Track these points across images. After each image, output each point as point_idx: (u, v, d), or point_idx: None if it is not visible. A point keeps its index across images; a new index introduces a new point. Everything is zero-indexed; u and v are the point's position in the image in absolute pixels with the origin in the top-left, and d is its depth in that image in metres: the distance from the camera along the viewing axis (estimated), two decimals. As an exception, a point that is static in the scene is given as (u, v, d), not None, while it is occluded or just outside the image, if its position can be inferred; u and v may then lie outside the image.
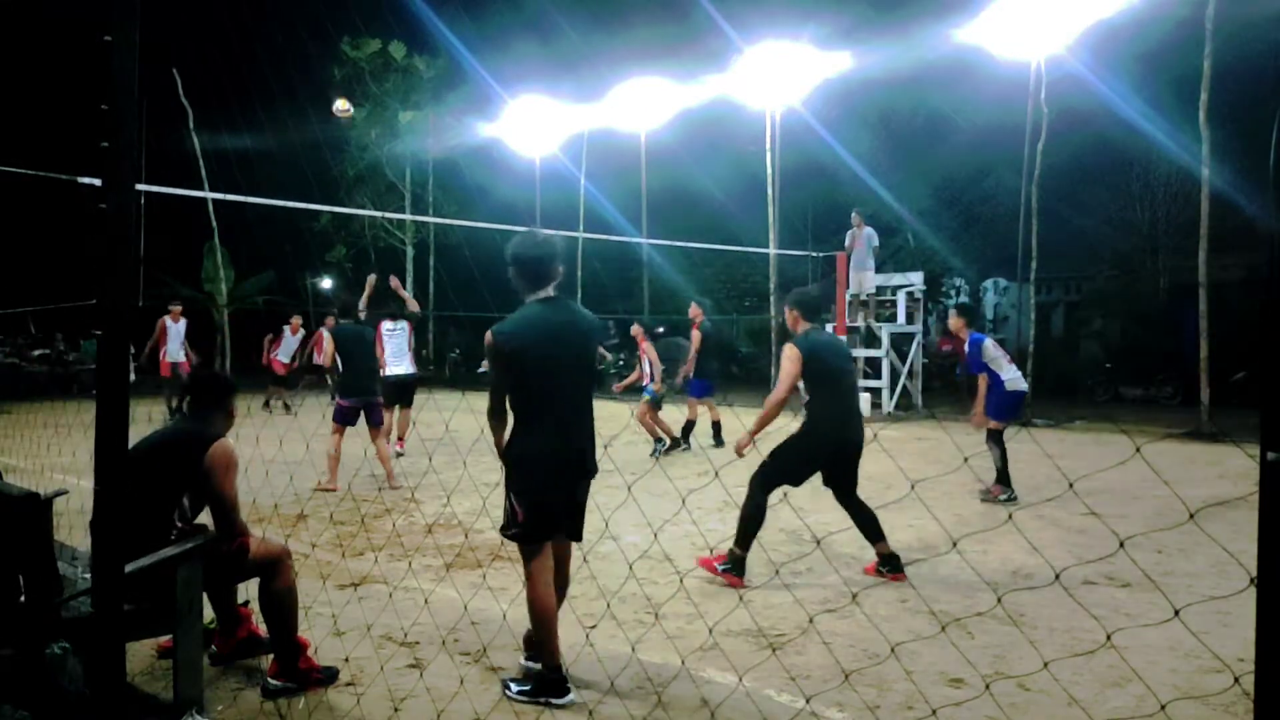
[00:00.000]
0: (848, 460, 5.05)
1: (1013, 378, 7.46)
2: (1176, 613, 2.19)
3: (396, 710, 3.30)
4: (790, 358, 4.88)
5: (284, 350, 15.08)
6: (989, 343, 7.57)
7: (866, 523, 4.99)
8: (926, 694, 3.37)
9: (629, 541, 5.84)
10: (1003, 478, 7.31)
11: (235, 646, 3.75)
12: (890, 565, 4.94)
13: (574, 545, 3.68)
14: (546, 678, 3.34)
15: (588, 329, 3.60)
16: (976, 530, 5.81)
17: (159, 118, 19.92)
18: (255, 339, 22.51)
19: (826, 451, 4.98)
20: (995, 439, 7.32)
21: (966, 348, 7.68)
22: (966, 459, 3.62)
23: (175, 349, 13.10)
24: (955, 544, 3.55)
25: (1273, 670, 1.29)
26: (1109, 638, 3.50)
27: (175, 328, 13.23)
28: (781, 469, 4.96)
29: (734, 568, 4.86)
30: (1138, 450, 2.22)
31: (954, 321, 7.88)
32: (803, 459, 4.96)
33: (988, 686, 3.20)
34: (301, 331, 15.06)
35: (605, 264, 24.04)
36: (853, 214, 15.05)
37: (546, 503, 3.44)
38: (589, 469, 3.56)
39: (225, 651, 3.74)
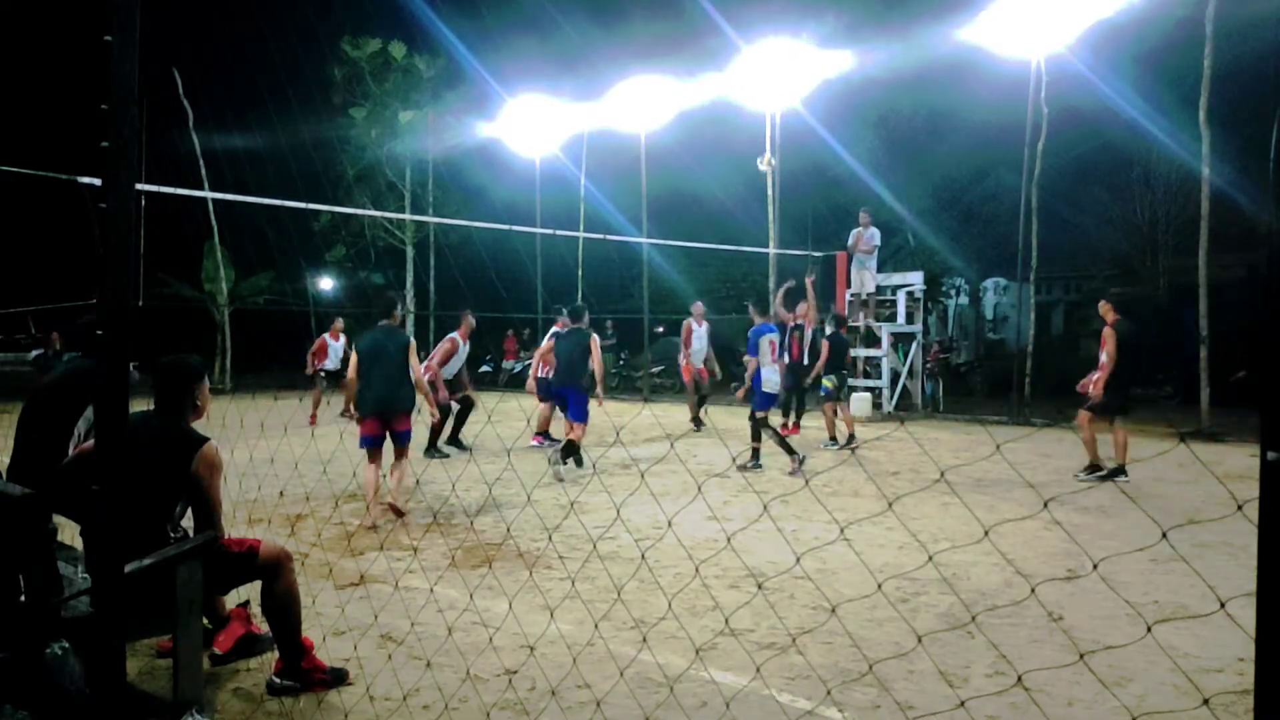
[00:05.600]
0: None
1: None
2: (1174, 615, 2.19)
3: (399, 709, 3.30)
4: None
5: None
6: None
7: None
8: (926, 694, 3.37)
9: (632, 541, 5.83)
10: None
11: (235, 646, 3.76)
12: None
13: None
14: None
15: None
16: (976, 532, 5.81)
17: (159, 118, 19.94)
18: (256, 338, 22.53)
19: None
20: None
21: None
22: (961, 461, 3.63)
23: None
24: (954, 544, 3.55)
25: (1273, 670, 1.29)
26: (1108, 639, 3.50)
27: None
28: None
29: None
30: (1163, 453, 2.22)
31: None
32: None
33: (988, 687, 3.20)
34: (343, 338, 14.18)
35: (605, 264, 24.01)
36: (860, 213, 15.06)
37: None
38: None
39: (225, 651, 3.75)
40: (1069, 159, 20.43)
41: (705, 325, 12.35)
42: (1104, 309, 8.50)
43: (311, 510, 6.68)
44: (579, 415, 8.60)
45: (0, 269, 19.47)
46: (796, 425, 11.86)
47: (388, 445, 6.62)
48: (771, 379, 8.63)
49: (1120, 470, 8.18)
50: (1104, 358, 8.23)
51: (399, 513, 6.55)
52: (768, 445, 8.84)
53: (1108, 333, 8.29)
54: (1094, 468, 8.28)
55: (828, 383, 10.57)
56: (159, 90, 19.97)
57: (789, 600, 4.61)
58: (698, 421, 12.12)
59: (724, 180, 22.52)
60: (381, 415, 6.60)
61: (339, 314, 14.53)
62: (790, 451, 8.50)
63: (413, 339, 7.11)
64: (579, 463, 8.70)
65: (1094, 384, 8.32)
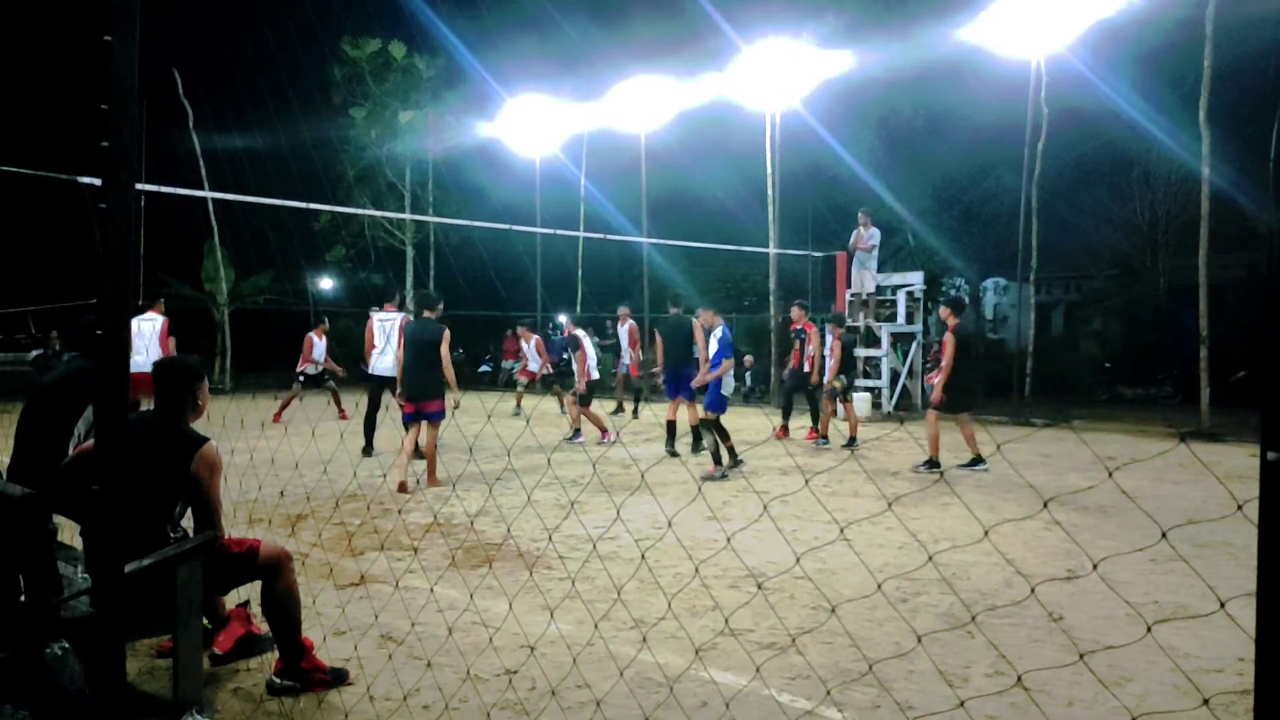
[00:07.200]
0: None
1: None
2: (1171, 617, 2.19)
3: (399, 709, 3.30)
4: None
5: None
6: None
7: None
8: (926, 694, 3.37)
9: (632, 540, 5.83)
10: None
11: (235, 646, 3.76)
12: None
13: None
14: None
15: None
16: (976, 532, 5.81)
17: (159, 118, 19.94)
18: (256, 338, 22.52)
19: None
20: None
21: None
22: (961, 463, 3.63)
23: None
24: (954, 544, 3.55)
25: (1273, 670, 1.29)
26: (1108, 639, 3.50)
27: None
28: None
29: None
30: (1160, 453, 2.23)
31: None
32: None
33: (988, 687, 3.20)
34: (326, 338, 14.03)
35: (605, 264, 24.01)
36: (859, 213, 15.06)
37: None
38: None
39: (225, 651, 3.75)
40: (1069, 159, 20.44)
41: (628, 325, 13.39)
42: (944, 314, 8.95)
43: (311, 510, 6.68)
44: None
45: (0, 269, 19.46)
46: (784, 428, 11.81)
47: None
48: (729, 383, 8.69)
49: (978, 460, 8.72)
50: (944, 361, 8.67)
51: (435, 482, 7.84)
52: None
53: (948, 337, 8.78)
54: (932, 463, 8.73)
55: (837, 384, 10.64)
56: (159, 90, 19.97)
57: (789, 600, 4.61)
58: (620, 410, 12.98)
59: (724, 180, 22.53)
60: (414, 399, 7.77)
61: (337, 314, 14.58)
62: (718, 461, 8.49)
63: (447, 331, 7.70)
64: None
65: (935, 386, 8.81)
